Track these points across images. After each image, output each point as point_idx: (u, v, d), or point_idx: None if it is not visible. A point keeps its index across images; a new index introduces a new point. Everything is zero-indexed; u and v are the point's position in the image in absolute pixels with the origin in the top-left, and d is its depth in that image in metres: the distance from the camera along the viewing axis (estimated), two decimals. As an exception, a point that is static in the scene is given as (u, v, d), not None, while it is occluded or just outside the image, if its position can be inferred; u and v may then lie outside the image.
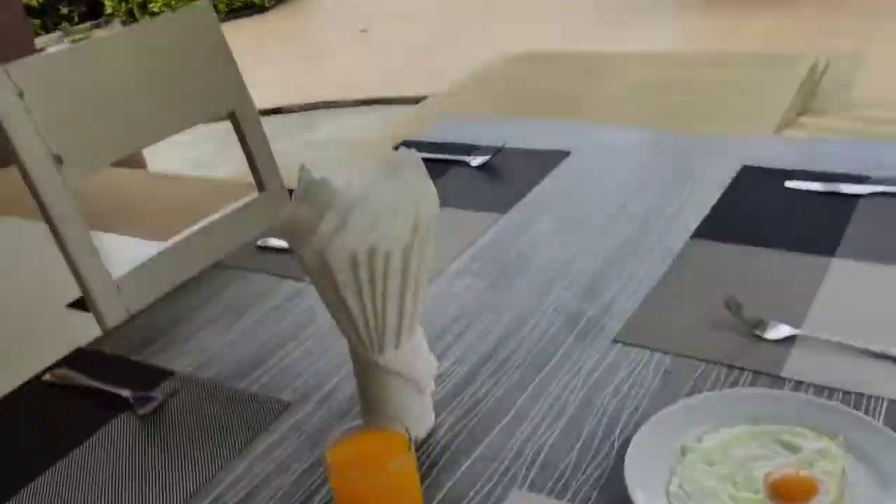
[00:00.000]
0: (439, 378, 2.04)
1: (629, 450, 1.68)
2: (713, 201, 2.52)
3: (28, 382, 2.15)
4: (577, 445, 1.82)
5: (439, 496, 1.71)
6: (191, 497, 1.72)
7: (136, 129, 2.32)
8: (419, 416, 1.90)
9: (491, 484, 1.75)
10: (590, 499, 1.66)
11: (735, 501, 1.53)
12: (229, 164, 6.45)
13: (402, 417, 1.87)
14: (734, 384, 1.86)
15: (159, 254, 2.56)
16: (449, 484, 1.76)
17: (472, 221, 2.52)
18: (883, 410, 1.71)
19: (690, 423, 1.76)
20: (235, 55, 2.71)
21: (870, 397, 1.75)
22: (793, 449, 1.63)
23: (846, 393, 1.77)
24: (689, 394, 1.89)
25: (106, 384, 2.08)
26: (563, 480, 1.72)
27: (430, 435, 1.91)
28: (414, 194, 1.65)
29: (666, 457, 1.69)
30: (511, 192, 2.36)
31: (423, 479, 1.77)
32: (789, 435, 1.67)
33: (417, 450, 1.85)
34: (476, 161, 2.45)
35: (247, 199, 2.80)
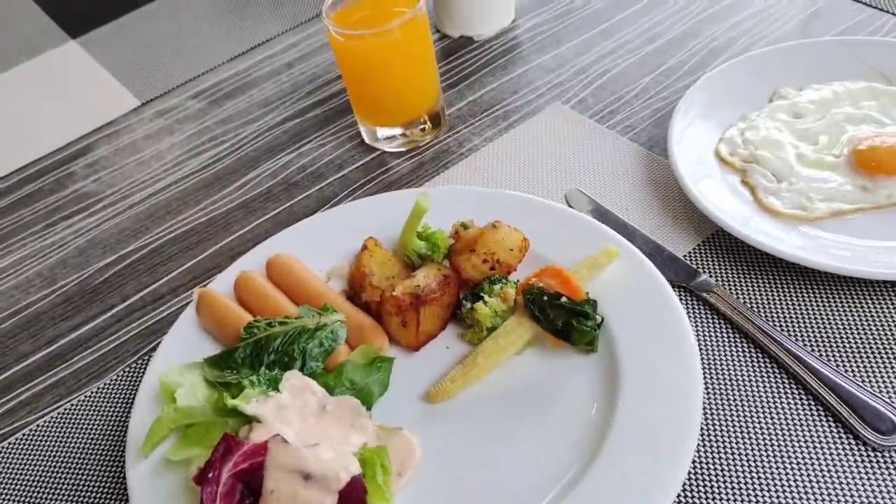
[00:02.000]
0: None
1: (698, 80, 1.34)
2: None
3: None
4: (651, 76, 1.56)
5: (475, 95, 1.57)
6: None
7: None
8: (491, 9, 1.67)
9: (535, 95, 1.56)
10: (633, 129, 1.45)
11: (801, 160, 1.19)
12: None
13: (468, 7, 1.65)
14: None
15: None
16: (493, 85, 1.61)
17: None
18: None
19: (799, 70, 1.35)
20: None
21: None
22: (921, 119, 1.21)
23: None
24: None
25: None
26: (614, 107, 1.50)
27: (499, 34, 1.71)
28: None
29: (746, 101, 1.33)
30: None
31: (465, 77, 1.60)
32: (927, 101, 1.23)
33: (479, 47, 1.66)
34: None
35: None
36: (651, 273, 1.05)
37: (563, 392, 0.99)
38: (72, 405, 1.18)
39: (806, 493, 0.89)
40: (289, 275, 1.15)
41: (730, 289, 1.10)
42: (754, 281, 1.11)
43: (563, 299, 1.01)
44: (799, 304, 1.07)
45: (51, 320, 1.33)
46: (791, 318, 1.06)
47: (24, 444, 1.14)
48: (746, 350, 1.03)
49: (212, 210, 1.46)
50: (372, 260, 1.12)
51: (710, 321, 1.07)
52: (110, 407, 1.17)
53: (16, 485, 1.10)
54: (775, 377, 1.00)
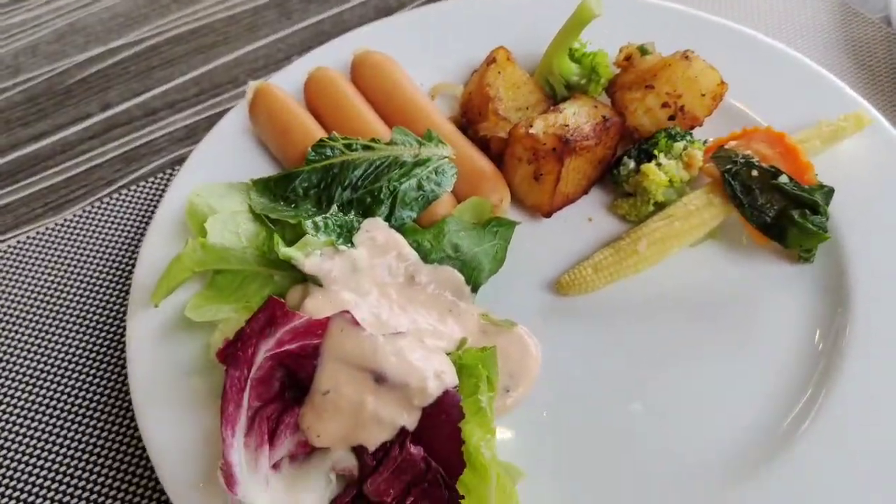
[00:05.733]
0: None
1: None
2: None
3: None
4: None
5: None
6: None
7: None
8: None
9: None
10: None
11: None
12: None
13: None
14: None
15: None
16: None
17: None
18: None
19: None
20: None
21: None
22: None
23: None
24: None
25: None
26: None
27: None
28: None
29: None
30: None
31: None
32: None
33: None
34: None
35: None
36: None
37: (758, 312, 0.74)
38: (19, 242, 0.92)
39: None
40: (382, 82, 0.87)
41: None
42: None
43: (784, 179, 0.74)
44: None
45: (5, 123, 1.05)
46: None
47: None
48: None
49: (236, 4, 1.17)
50: (500, 79, 0.84)
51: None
52: (68, 249, 0.90)
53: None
54: None
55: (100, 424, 0.77)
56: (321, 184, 0.75)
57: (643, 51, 0.83)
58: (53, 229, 0.92)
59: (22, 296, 0.87)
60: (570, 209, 0.82)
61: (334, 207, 0.73)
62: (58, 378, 0.80)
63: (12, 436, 0.77)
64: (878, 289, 0.72)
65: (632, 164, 0.80)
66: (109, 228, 0.92)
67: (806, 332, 0.71)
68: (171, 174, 0.96)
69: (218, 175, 0.82)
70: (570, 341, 0.74)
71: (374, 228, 0.72)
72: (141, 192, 0.95)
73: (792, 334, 0.72)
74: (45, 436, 0.77)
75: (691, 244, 0.77)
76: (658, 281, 0.76)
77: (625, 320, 0.75)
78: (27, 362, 0.81)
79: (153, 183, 0.96)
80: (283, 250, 0.68)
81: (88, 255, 0.89)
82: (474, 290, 0.74)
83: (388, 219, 0.74)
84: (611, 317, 0.75)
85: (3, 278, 0.88)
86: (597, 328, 0.74)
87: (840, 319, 0.71)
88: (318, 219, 0.71)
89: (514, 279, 0.77)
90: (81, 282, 0.87)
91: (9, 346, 0.83)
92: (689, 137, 0.80)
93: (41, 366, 0.81)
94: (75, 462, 0.75)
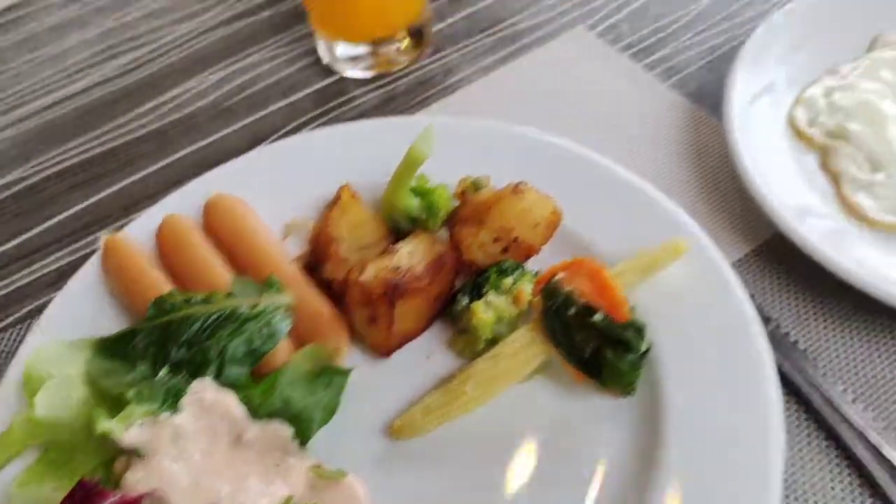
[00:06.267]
0: None
1: (773, 14, 1.10)
2: None
3: None
4: (708, 0, 1.27)
5: (472, 8, 1.27)
6: None
7: None
8: None
9: (554, 13, 1.27)
10: (678, 73, 1.15)
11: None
12: None
13: None
14: None
15: None
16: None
17: None
18: None
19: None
20: None
21: None
22: None
23: None
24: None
25: None
26: (654, 40, 1.21)
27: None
28: None
29: (838, 47, 1.06)
30: None
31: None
32: None
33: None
34: None
35: None
36: (731, 290, 0.80)
37: (582, 446, 0.75)
38: None
39: None
40: (231, 225, 0.88)
41: (790, 328, 0.86)
42: (826, 318, 0.87)
43: (598, 316, 0.75)
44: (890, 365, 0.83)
45: None
46: (879, 385, 0.82)
47: None
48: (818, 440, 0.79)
49: (115, 137, 1.20)
50: (343, 219, 0.86)
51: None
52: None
53: None
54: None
55: None
56: (160, 341, 0.76)
57: (476, 185, 0.85)
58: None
59: None
60: (412, 346, 0.83)
61: (164, 370, 0.74)
62: None
63: None
64: (690, 418, 0.73)
65: (465, 301, 0.81)
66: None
67: (623, 463, 0.73)
68: (36, 322, 0.96)
69: (72, 332, 0.82)
70: (402, 486, 0.74)
71: (202, 389, 0.72)
72: (6, 343, 0.95)
73: (611, 466, 0.73)
74: None
75: (520, 381, 0.78)
76: (488, 418, 0.77)
77: (456, 459, 0.76)
78: None
79: (20, 331, 0.96)
80: (102, 425, 0.68)
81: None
82: (304, 443, 0.74)
83: (217, 377, 0.75)
84: (442, 457, 0.76)
85: None
86: (428, 470, 0.75)
87: (656, 450, 0.72)
88: (140, 387, 0.72)
89: (351, 425, 0.77)
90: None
91: None
92: (520, 270, 0.82)
93: None
94: None
